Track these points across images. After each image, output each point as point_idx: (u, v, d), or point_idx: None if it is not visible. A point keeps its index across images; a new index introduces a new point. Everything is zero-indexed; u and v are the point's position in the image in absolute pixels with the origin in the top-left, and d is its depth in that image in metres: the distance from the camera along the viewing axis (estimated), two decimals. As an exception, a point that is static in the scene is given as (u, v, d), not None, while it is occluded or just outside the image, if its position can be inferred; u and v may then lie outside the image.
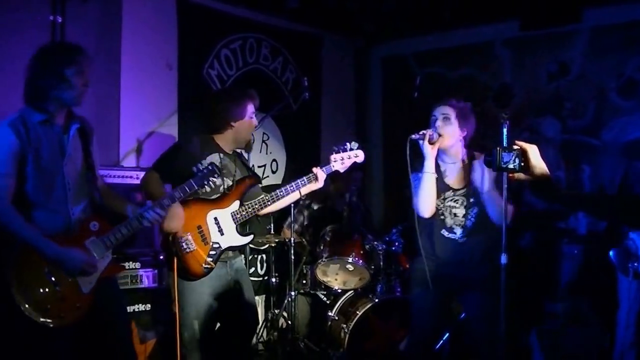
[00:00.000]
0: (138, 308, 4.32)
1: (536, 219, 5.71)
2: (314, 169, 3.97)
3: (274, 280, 5.54)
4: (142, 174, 4.43)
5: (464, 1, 5.96)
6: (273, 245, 5.43)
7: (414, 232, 3.76)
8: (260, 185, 4.29)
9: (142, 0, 5.19)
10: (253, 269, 5.91)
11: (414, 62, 6.95)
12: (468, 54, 6.57)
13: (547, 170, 2.34)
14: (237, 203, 3.84)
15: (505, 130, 2.84)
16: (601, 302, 4.57)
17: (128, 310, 4.21)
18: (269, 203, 3.90)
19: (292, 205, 4.82)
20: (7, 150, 2.97)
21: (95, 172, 3.28)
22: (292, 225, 5.21)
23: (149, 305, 4.35)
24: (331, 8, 6.18)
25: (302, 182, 3.96)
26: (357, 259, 5.03)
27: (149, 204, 3.31)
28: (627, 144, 5.59)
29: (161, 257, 4.43)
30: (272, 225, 5.50)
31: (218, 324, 4.01)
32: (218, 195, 3.84)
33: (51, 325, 2.97)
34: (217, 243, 3.76)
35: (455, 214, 3.80)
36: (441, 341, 4.66)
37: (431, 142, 3.72)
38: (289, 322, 5.19)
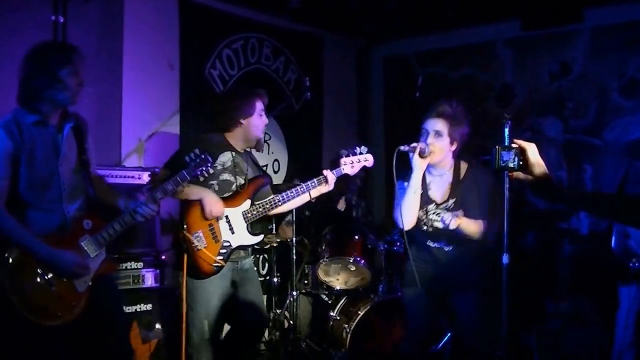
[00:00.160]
0: (140, 308, 4.31)
1: (538, 219, 5.71)
2: (324, 172, 3.98)
3: (275, 280, 5.54)
4: (144, 174, 4.45)
5: (465, 1, 5.95)
6: (275, 245, 5.43)
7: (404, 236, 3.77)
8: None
9: (144, 0, 5.19)
10: (255, 269, 5.90)
11: (416, 62, 6.95)
12: (469, 54, 6.57)
13: (546, 169, 2.33)
14: (248, 202, 3.86)
15: (507, 130, 2.83)
16: (602, 302, 4.57)
17: (130, 310, 4.23)
18: (280, 204, 3.92)
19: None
20: (0, 152, 2.96)
21: (89, 168, 3.26)
22: (293, 224, 5.21)
23: (150, 305, 4.35)
24: (333, 8, 6.18)
25: (313, 184, 3.97)
26: (358, 259, 5.04)
27: (142, 199, 3.24)
28: (628, 144, 5.58)
29: (163, 257, 4.44)
30: (273, 225, 5.50)
31: (226, 325, 4.02)
32: (230, 193, 3.84)
33: (48, 325, 2.97)
34: (228, 241, 3.78)
35: (437, 228, 3.79)
36: (442, 341, 4.66)
37: (422, 156, 3.68)
38: (291, 322, 5.19)
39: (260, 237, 3.90)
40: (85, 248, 3.12)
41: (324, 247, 5.19)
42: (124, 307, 4.17)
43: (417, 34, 6.82)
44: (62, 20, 4.51)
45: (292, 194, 3.92)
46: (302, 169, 6.19)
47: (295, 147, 6.45)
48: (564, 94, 5.99)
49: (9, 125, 2.99)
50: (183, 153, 3.74)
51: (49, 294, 2.99)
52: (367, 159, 4.05)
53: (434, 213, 3.80)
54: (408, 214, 3.71)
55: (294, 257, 5.13)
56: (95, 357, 3.23)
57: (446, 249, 3.83)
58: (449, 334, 4.70)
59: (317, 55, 6.76)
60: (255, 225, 4.02)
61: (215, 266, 3.72)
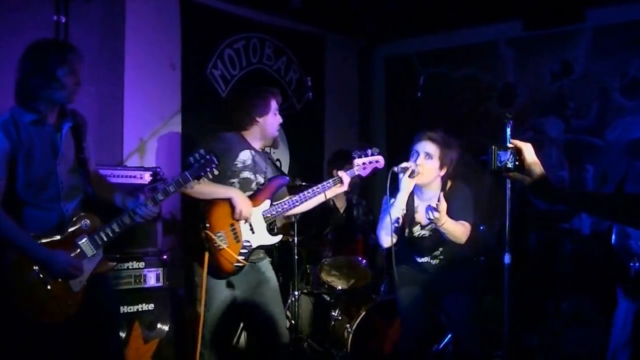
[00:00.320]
0: (142, 308, 4.31)
1: (539, 219, 5.71)
2: (339, 172, 4.00)
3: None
4: (145, 174, 4.46)
5: (467, 1, 5.95)
6: (276, 245, 5.42)
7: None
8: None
9: (146, 0, 5.19)
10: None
11: (418, 62, 6.95)
12: (471, 54, 6.57)
13: (543, 170, 2.30)
14: (267, 202, 3.87)
15: (508, 130, 2.83)
16: (603, 302, 4.57)
17: (132, 310, 4.23)
18: (298, 204, 3.93)
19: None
20: None
21: (87, 167, 3.26)
22: (294, 224, 5.20)
23: (152, 305, 4.35)
24: (334, 8, 6.18)
25: (328, 185, 3.99)
26: (360, 258, 5.03)
27: (142, 199, 3.19)
28: (629, 143, 5.58)
29: (165, 257, 4.44)
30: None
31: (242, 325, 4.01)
32: (251, 192, 3.85)
33: (44, 323, 2.98)
34: (248, 241, 3.78)
35: (422, 246, 3.91)
36: (444, 342, 4.65)
37: (410, 176, 3.74)
38: (293, 321, 5.18)
39: (279, 237, 3.92)
40: (83, 248, 3.11)
41: (325, 247, 5.19)
42: (127, 306, 4.20)
43: (419, 34, 6.82)
44: (64, 20, 4.51)
45: (309, 194, 3.94)
46: (304, 168, 6.19)
47: (297, 147, 6.45)
48: (565, 93, 5.99)
49: (7, 125, 2.98)
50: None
51: (45, 293, 2.99)
52: (379, 160, 4.07)
53: (418, 234, 3.92)
54: (387, 234, 3.78)
55: (296, 257, 5.13)
56: (89, 356, 3.22)
57: (433, 262, 3.94)
58: (450, 335, 4.70)
59: (318, 55, 6.76)
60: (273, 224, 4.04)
61: (236, 266, 3.72)
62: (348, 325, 4.80)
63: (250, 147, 3.95)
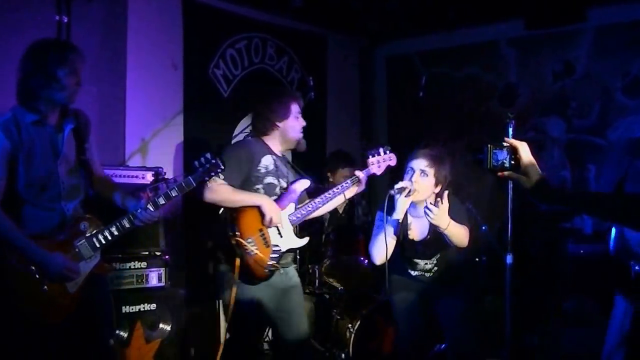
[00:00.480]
0: (144, 307, 4.32)
1: (541, 219, 5.70)
2: (357, 172, 4.05)
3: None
4: (147, 174, 4.47)
5: (468, 0, 5.95)
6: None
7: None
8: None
9: (148, 0, 5.19)
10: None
11: (419, 61, 6.95)
12: (473, 54, 6.57)
13: (539, 169, 2.29)
14: (293, 206, 3.89)
15: (510, 129, 2.83)
16: (605, 303, 4.56)
17: (134, 310, 4.24)
18: (320, 205, 3.96)
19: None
20: None
21: (89, 167, 3.26)
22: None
23: (154, 305, 4.36)
24: (336, 7, 6.18)
25: (347, 185, 4.04)
26: (361, 258, 5.03)
27: (142, 202, 3.16)
28: (629, 142, 5.58)
29: (166, 257, 4.44)
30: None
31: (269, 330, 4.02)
32: (275, 197, 3.86)
33: (41, 323, 2.98)
34: (277, 245, 3.79)
35: (416, 262, 3.96)
36: (444, 344, 4.65)
37: (407, 196, 3.75)
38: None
39: (306, 239, 3.92)
40: (81, 250, 3.10)
41: (327, 247, 5.19)
42: (129, 306, 4.21)
43: (420, 34, 6.82)
44: (65, 20, 4.52)
45: (329, 195, 3.97)
46: (305, 168, 6.18)
47: (299, 146, 6.44)
48: (567, 93, 5.99)
49: (8, 125, 2.98)
50: (231, 160, 3.59)
51: (41, 294, 3.00)
52: (391, 159, 4.14)
53: (411, 250, 3.94)
54: (379, 252, 3.81)
55: (297, 256, 5.12)
56: (82, 355, 3.21)
57: (427, 275, 3.98)
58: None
59: (320, 54, 6.76)
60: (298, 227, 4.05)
61: (268, 271, 3.73)
62: (350, 325, 4.81)
63: (271, 152, 3.96)
